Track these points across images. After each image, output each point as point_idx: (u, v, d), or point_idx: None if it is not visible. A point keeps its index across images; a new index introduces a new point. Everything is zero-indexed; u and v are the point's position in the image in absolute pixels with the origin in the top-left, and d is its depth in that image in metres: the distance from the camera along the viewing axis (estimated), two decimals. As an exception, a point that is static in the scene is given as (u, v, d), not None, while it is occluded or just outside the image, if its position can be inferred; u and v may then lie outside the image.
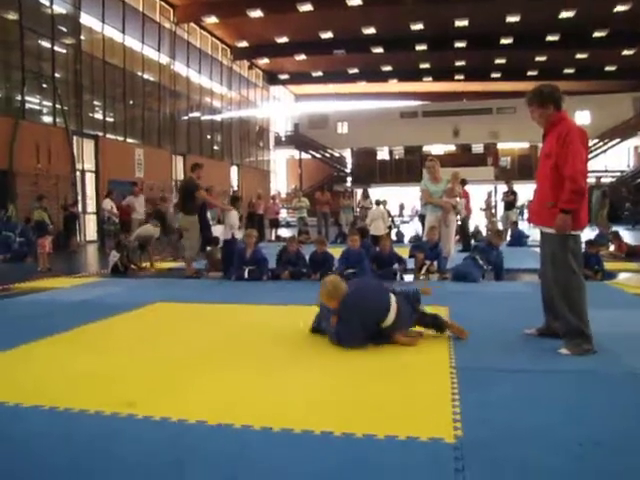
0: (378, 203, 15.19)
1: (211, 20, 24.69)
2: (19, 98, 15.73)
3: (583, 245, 5.60)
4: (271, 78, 35.73)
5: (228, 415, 2.82)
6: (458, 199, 9.67)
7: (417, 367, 3.72)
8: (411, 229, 17.29)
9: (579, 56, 29.63)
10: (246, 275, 8.13)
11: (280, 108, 39.26)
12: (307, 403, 3.04)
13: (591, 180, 31.21)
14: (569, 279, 3.94)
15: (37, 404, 3.04)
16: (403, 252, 8.63)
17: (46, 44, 16.90)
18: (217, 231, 11.28)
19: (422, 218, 10.09)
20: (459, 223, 12.47)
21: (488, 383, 3.33)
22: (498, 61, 31.19)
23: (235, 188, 27.06)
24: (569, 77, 32.78)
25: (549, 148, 4.00)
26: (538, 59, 30.40)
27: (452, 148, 38.01)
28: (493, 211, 18.75)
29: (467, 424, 2.67)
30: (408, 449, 2.43)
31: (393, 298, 4.27)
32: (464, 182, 13.02)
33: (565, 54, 29.21)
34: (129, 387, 3.35)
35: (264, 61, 32.16)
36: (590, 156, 31.28)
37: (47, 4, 16.89)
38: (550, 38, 26.47)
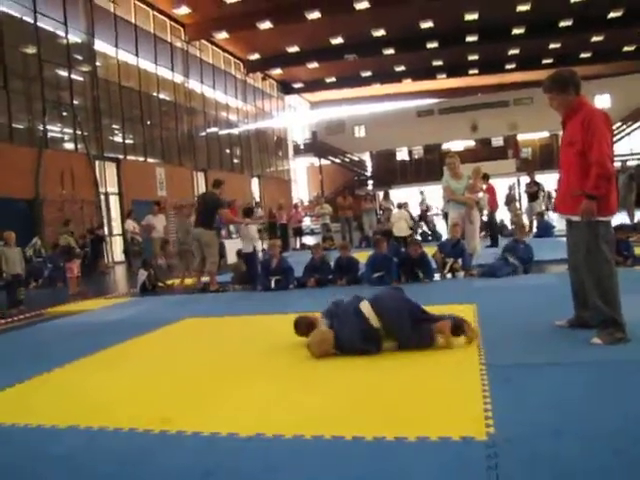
0: (400, 206, 15.16)
1: (222, 35, 24.97)
2: (41, 128, 16.10)
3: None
4: (285, 88, 35.94)
5: (259, 425, 2.83)
6: (481, 194, 9.60)
7: (446, 366, 3.69)
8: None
9: (595, 39, 29.13)
10: (273, 285, 8.17)
11: (296, 117, 39.44)
12: (337, 409, 3.04)
13: (617, 164, 30.76)
14: (602, 267, 3.84)
15: (72, 424, 3.09)
16: (430, 250, 8.55)
17: (63, 73, 17.31)
18: (237, 245, 11.38)
19: (446, 216, 10.03)
20: (485, 219, 12.38)
21: (519, 378, 3.28)
22: (512, 52, 30.89)
23: (257, 200, 27.20)
24: (586, 62, 32.30)
25: (572, 135, 3.91)
26: (553, 46, 30.00)
27: (471, 143, 37.73)
28: (517, 204, 18.51)
29: (499, 421, 2.63)
30: (440, 450, 2.41)
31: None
32: (487, 177, 12.93)
33: (580, 39, 28.78)
34: (162, 404, 3.38)
35: (277, 71, 32.37)
36: (614, 140, 30.98)
37: (62, 35, 17.27)
38: (563, 24, 26.11)
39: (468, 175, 8.52)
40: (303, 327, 4.52)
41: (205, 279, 9.16)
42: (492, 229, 12.63)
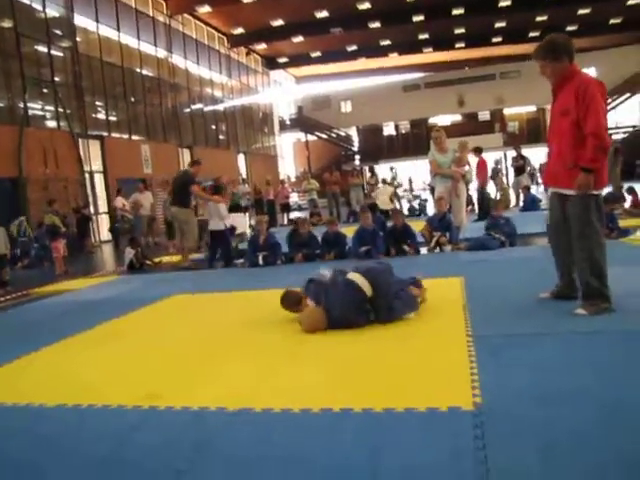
0: (384, 182, 15.22)
1: (205, 9, 24.51)
2: (22, 105, 15.79)
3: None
4: (270, 63, 35.49)
5: (248, 400, 2.84)
6: (467, 168, 9.62)
7: (433, 337, 3.73)
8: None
9: (582, 12, 28.95)
10: (260, 261, 8.18)
11: (282, 92, 39.05)
12: (325, 382, 3.06)
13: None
14: (593, 241, 3.80)
15: (61, 403, 3.09)
16: (419, 226, 8.59)
17: (43, 49, 16.90)
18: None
19: (433, 190, 10.04)
20: (473, 192, 12.43)
21: (506, 349, 3.31)
22: (498, 25, 30.66)
23: (244, 176, 27.03)
24: (572, 34, 31.91)
25: (565, 104, 3.78)
26: (539, 19, 29.79)
27: (458, 118, 37.64)
28: (504, 179, 18.57)
29: (486, 391, 2.66)
30: (427, 420, 2.44)
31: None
32: (479, 150, 13.00)
33: (567, 11, 28.56)
34: (151, 380, 3.39)
35: (262, 46, 31.92)
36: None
37: (40, 9, 16.86)
38: (549, -5, 25.93)
39: (454, 149, 8.52)
40: (291, 302, 4.53)
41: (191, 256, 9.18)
42: (483, 203, 12.67)
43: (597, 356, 3.09)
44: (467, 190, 9.62)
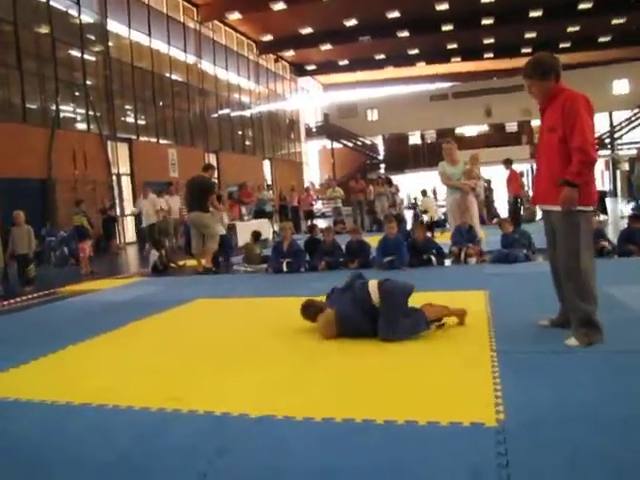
0: (424, 194, 15.29)
1: (235, 16, 24.76)
2: (54, 108, 16.11)
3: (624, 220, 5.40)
4: (298, 70, 35.69)
5: (270, 407, 2.85)
6: (476, 181, 9.64)
7: (457, 350, 3.69)
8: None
9: (615, 22, 28.49)
10: (284, 268, 8.20)
11: (309, 99, 39.21)
12: (347, 392, 3.05)
13: (632, 152, 30.36)
14: (580, 262, 3.61)
15: (86, 402, 3.14)
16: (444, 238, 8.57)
17: (76, 53, 17.25)
18: (251, 227, 11.45)
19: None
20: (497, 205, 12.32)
21: (529, 365, 3.28)
22: (528, 35, 30.39)
23: (269, 182, 27.17)
24: (605, 46, 31.74)
25: (552, 121, 3.71)
26: (571, 29, 29.44)
27: (485, 128, 37.35)
28: (529, 192, 18.33)
29: (509, 407, 2.64)
30: (450, 435, 2.42)
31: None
32: (510, 162, 12.95)
33: (600, 21, 28.12)
34: (174, 383, 3.41)
35: (290, 53, 32.12)
36: (632, 126, 30.47)
37: (75, 15, 17.21)
38: (582, 6, 25.56)
39: (464, 161, 8.59)
40: (311, 312, 4.53)
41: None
42: (515, 214, 12.54)
43: (621, 375, 3.05)
44: (478, 203, 9.54)
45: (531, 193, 17.10)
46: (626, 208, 15.51)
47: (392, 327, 3.95)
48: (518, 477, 2.02)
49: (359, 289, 4.16)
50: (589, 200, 3.66)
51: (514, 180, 13.01)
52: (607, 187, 28.12)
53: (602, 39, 31.34)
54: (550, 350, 3.53)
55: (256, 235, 10.23)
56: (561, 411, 2.59)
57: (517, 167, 15.38)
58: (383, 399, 2.90)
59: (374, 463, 2.22)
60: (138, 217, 15.53)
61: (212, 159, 24.03)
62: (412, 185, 28.02)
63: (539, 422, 2.48)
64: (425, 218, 13.97)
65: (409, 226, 13.81)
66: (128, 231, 18.48)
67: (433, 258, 7.77)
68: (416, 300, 4.30)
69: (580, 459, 2.13)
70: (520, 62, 35.61)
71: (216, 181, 18.89)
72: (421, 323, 4.03)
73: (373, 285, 4.11)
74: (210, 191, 9.22)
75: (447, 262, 8.05)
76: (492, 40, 31.29)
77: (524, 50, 32.92)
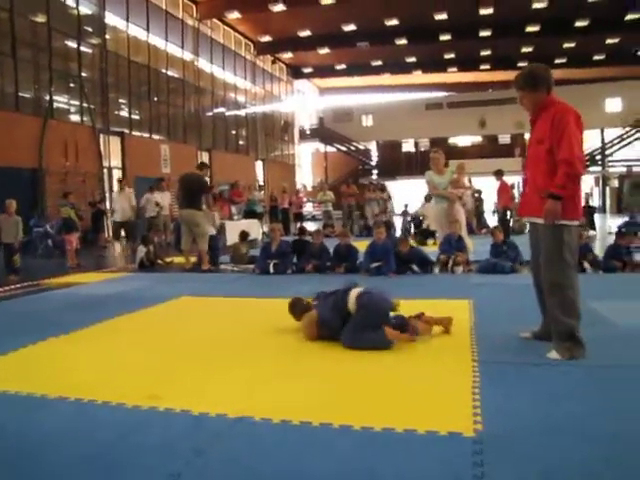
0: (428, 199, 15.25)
1: (234, 15, 24.72)
2: (47, 98, 16.00)
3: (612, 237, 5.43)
4: (295, 72, 35.70)
5: (247, 408, 2.83)
6: (463, 190, 9.73)
7: (438, 359, 3.70)
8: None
9: (610, 41, 28.79)
10: (271, 269, 8.18)
11: (304, 102, 39.23)
12: (326, 396, 3.04)
13: (621, 169, 30.64)
14: (563, 276, 3.60)
15: (62, 395, 3.11)
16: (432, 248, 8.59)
17: (72, 44, 17.15)
18: (240, 226, 11.42)
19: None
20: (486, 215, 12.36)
21: (510, 376, 3.28)
22: (525, 49, 30.58)
23: (261, 183, 27.13)
24: (599, 63, 32.01)
25: (541, 133, 3.69)
26: (566, 46, 29.67)
27: (478, 139, 37.54)
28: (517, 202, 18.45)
29: (487, 418, 2.64)
30: (427, 443, 2.42)
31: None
32: (501, 173, 13.02)
33: (595, 39, 28.38)
34: (152, 380, 3.39)
35: (287, 55, 32.11)
36: (623, 144, 30.74)
37: (73, 5, 17.13)
38: (579, 24, 25.81)
39: (452, 170, 8.63)
40: (298, 309, 4.54)
41: (193, 259, 9.19)
42: (504, 225, 12.59)
43: (600, 389, 3.07)
44: (465, 212, 9.57)
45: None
46: (614, 223, 15.59)
47: (352, 337, 3.97)
48: (492, 488, 2.02)
49: (341, 295, 4.18)
50: (574, 214, 3.65)
51: (504, 191, 13.06)
52: (596, 203, 28.33)
53: (597, 57, 31.62)
54: (531, 362, 3.53)
55: (243, 235, 10.22)
56: (540, 423, 2.59)
57: (509, 179, 15.49)
58: (362, 405, 2.89)
59: (349, 468, 2.21)
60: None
61: (205, 157, 23.96)
62: (403, 192, 28.04)
63: (517, 434, 2.48)
64: (425, 224, 14.01)
65: (398, 233, 13.88)
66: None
67: (415, 268, 7.77)
68: (403, 308, 4.31)
69: (556, 473, 2.13)
70: (516, 75, 35.93)
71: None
72: (382, 342, 3.92)
73: (354, 294, 4.12)
74: (204, 189, 9.20)
75: (435, 270, 8.05)
76: (489, 52, 31.48)
77: (520, 64, 33.13)
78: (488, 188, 20.18)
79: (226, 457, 2.34)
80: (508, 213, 13.21)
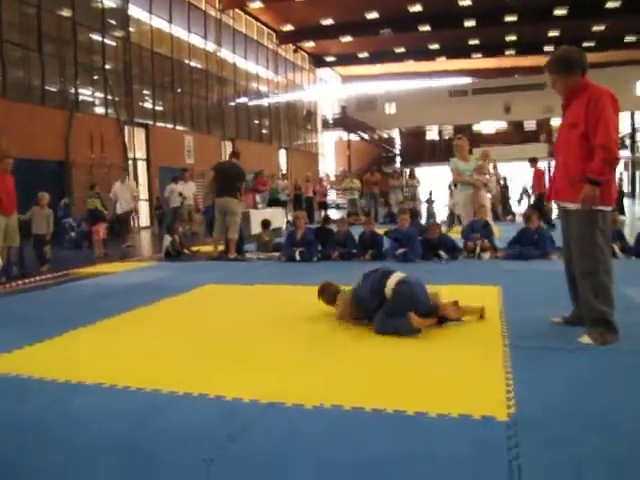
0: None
1: (256, 5, 24.69)
2: (72, 91, 16.18)
3: None
4: (317, 61, 35.53)
5: (280, 394, 2.84)
6: (488, 177, 9.62)
7: (469, 343, 3.67)
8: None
9: (642, 21, 27.98)
10: (297, 256, 8.20)
11: (327, 90, 39.07)
12: (357, 381, 3.03)
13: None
14: (597, 262, 3.53)
15: (95, 382, 3.14)
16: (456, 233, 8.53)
17: (97, 37, 17.30)
18: (263, 214, 11.46)
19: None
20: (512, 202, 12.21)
21: (541, 361, 3.24)
22: (552, 34, 29.96)
23: (284, 172, 27.16)
24: (630, 46, 31.21)
25: (575, 117, 3.60)
26: (596, 29, 28.99)
27: (503, 126, 37.05)
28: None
29: (520, 402, 2.61)
30: (460, 427, 2.40)
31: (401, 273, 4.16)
32: (535, 160, 12.90)
33: (626, 21, 27.59)
34: (184, 367, 3.41)
35: (310, 44, 31.99)
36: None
37: (97, -1, 17.27)
38: (610, 5, 25.13)
39: (476, 157, 8.55)
40: (329, 293, 4.54)
41: (221, 247, 9.25)
42: (542, 212, 12.40)
43: (634, 375, 3.01)
44: (491, 198, 9.45)
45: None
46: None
47: (382, 321, 3.97)
48: (528, 472, 1.99)
49: (379, 278, 4.14)
50: (609, 200, 3.59)
51: (540, 178, 12.92)
52: (626, 188, 27.77)
53: (628, 39, 30.82)
54: (563, 347, 3.48)
55: (265, 223, 10.23)
56: (573, 409, 2.56)
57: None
58: (394, 389, 2.88)
59: (382, 453, 2.20)
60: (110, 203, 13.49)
61: (228, 147, 24.06)
62: (427, 180, 27.84)
63: (551, 419, 2.45)
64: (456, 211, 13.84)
65: (423, 220, 13.77)
66: (143, 216, 18.56)
67: (443, 254, 7.71)
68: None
69: (591, 459, 2.10)
70: (542, 60, 35.20)
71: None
72: (407, 329, 3.86)
73: (393, 279, 4.07)
74: (241, 178, 9.23)
75: (460, 257, 7.98)
76: (514, 37, 30.92)
77: (547, 48, 32.50)
78: (513, 175, 19.99)
79: (259, 443, 2.35)
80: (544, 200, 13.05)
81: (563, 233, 3.93)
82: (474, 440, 2.26)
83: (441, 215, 16.00)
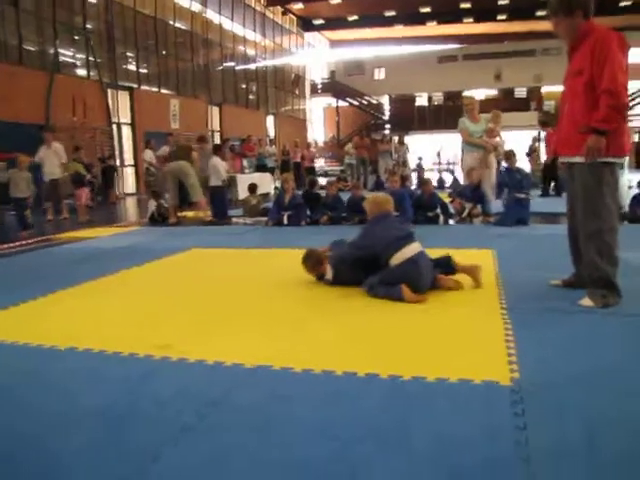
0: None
1: (243, -36, 23.95)
2: (52, 51, 15.61)
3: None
4: (305, 24, 34.73)
5: (266, 357, 2.67)
6: (498, 139, 9.30)
7: (466, 306, 3.51)
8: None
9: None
10: (285, 220, 8.00)
11: (315, 55, 38.32)
12: (350, 346, 2.86)
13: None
14: (602, 219, 3.33)
15: (72, 346, 2.97)
16: (444, 198, 8.35)
17: (77, -5, 16.66)
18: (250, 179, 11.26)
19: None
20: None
21: (542, 324, 3.10)
22: (544, -3, 29.43)
23: (271, 137, 26.74)
24: (627, 10, 30.71)
25: (580, 63, 3.36)
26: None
27: (494, 92, 36.65)
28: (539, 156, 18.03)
29: (523, 367, 2.45)
30: (461, 392, 2.24)
31: (417, 244, 3.88)
32: (546, 124, 12.71)
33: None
34: (164, 330, 3.24)
35: (298, 6, 31.13)
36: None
37: (76, -48, 16.55)
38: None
39: (487, 119, 8.26)
40: (313, 261, 4.34)
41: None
42: (551, 174, 12.19)
43: (636, 339, 2.86)
44: (498, 162, 9.19)
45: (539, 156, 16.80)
46: (635, 178, 15.21)
47: (374, 287, 3.79)
48: (537, 440, 1.83)
49: (395, 239, 3.84)
50: (619, 150, 3.33)
51: (552, 141, 12.74)
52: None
53: (624, 3, 30.31)
54: (563, 310, 3.34)
55: (252, 187, 10.00)
56: (577, 373, 2.41)
57: (525, 134, 15.05)
58: (388, 354, 2.71)
59: (377, 419, 2.04)
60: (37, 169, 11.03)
61: (215, 112, 23.58)
62: (417, 147, 27.58)
63: (556, 383, 2.30)
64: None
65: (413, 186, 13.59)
66: (128, 181, 18.20)
67: (440, 215, 7.56)
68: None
69: (600, 425, 1.95)
70: (534, 26, 34.76)
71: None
72: (398, 296, 3.65)
73: (405, 253, 3.75)
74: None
75: (451, 221, 7.83)
76: (507, 1, 30.30)
77: (539, 13, 31.95)
78: (507, 142, 19.76)
79: (241, 408, 2.18)
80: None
81: (567, 191, 3.72)
82: (477, 406, 2.10)
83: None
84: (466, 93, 35.37)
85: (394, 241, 3.82)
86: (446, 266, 4.01)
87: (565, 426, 1.93)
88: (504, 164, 7.94)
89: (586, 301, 3.41)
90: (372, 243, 3.91)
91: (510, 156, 7.69)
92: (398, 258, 3.74)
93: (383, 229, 3.94)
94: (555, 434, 1.88)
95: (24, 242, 7.52)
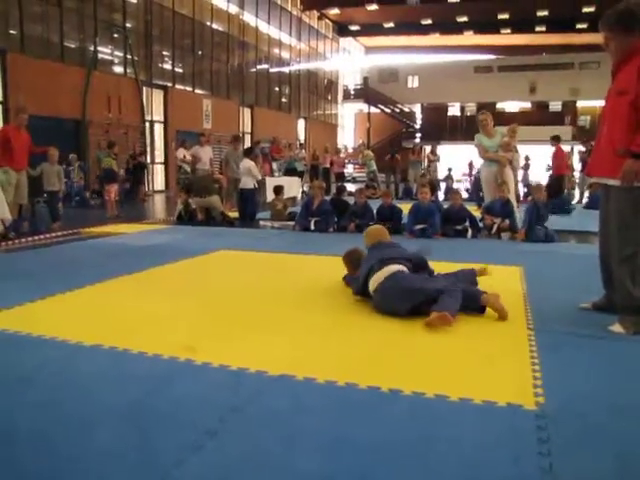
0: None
1: (281, -32, 24.12)
2: (92, 49, 15.91)
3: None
4: (341, 29, 34.83)
5: (290, 366, 2.67)
6: (513, 154, 9.34)
7: (491, 325, 3.46)
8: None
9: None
10: (312, 226, 8.01)
11: (349, 61, 38.36)
12: (374, 359, 2.84)
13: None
14: (637, 244, 3.24)
15: (98, 343, 3.00)
16: (474, 212, 8.29)
17: (118, -6, 16.97)
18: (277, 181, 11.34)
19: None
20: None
21: (568, 347, 3.03)
22: (586, 9, 28.97)
23: (302, 141, 26.81)
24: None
25: (625, 83, 3.22)
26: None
27: (527, 105, 36.23)
28: (574, 173, 17.78)
29: (549, 391, 2.40)
30: (485, 414, 2.21)
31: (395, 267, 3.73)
32: (558, 139, 12.53)
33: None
34: (189, 332, 3.26)
35: (334, 11, 31.26)
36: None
37: (119, -47, 16.86)
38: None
39: (502, 133, 8.25)
40: (353, 257, 4.33)
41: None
42: (556, 193, 12.08)
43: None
44: (515, 176, 9.15)
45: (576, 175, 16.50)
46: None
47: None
48: (561, 468, 1.80)
49: (368, 270, 3.79)
50: None
51: (560, 157, 12.54)
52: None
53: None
54: (592, 334, 3.26)
55: (277, 189, 9.95)
56: (606, 401, 2.34)
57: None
58: (412, 371, 2.68)
59: (399, 435, 2.02)
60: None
61: (246, 113, 23.74)
62: (447, 157, 27.41)
63: (583, 410, 2.24)
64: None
65: (441, 196, 13.50)
66: (158, 179, 18.43)
67: (469, 229, 7.50)
68: (442, 268, 4.08)
69: (630, 455, 1.90)
70: (572, 39, 34.25)
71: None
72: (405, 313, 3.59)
73: (377, 278, 3.69)
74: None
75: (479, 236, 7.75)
76: (546, 12, 29.96)
77: (579, 26, 31.50)
78: (535, 156, 19.52)
79: (265, 414, 2.18)
80: (563, 180, 12.75)
81: (601, 212, 3.62)
82: (500, 429, 2.07)
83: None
84: (499, 105, 35.07)
85: (375, 264, 3.78)
86: (472, 301, 3.66)
87: (593, 456, 1.89)
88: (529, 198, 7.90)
89: (617, 327, 3.32)
90: (362, 273, 3.89)
91: (539, 191, 7.66)
92: (372, 285, 3.72)
93: (370, 257, 3.95)
94: (581, 463, 1.84)
95: (53, 234, 7.66)
